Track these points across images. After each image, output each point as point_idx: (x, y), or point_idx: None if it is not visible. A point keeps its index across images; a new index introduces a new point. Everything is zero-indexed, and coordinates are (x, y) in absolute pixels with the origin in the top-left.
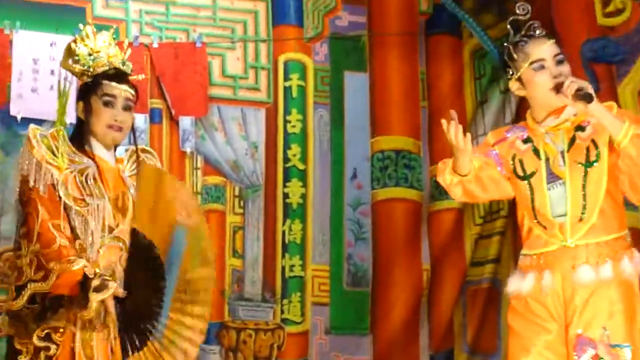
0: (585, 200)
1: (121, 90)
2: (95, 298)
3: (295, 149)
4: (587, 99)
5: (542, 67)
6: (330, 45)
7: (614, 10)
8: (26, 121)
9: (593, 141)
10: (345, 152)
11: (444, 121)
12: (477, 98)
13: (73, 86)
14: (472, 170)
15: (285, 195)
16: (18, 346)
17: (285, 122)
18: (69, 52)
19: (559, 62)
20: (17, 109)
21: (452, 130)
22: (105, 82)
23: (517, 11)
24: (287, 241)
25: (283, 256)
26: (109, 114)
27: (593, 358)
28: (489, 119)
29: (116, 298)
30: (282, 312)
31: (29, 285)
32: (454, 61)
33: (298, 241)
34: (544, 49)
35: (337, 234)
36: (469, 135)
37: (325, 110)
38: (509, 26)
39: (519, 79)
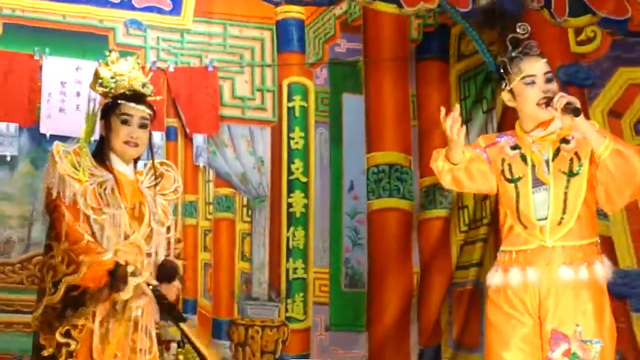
0: (566, 205)
1: (137, 110)
2: (133, 281)
3: (298, 164)
4: (576, 112)
5: (533, 82)
6: (330, 70)
7: (586, 38)
8: (54, 138)
9: (576, 154)
10: (344, 166)
11: (443, 109)
12: (462, 117)
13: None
14: (463, 160)
15: (289, 205)
16: (42, 341)
17: (289, 139)
18: (95, 76)
19: (549, 80)
20: (46, 128)
21: (449, 122)
22: (122, 102)
23: (518, 30)
24: (290, 246)
25: (287, 260)
26: (126, 131)
27: (565, 352)
28: (473, 137)
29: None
30: (287, 310)
31: (63, 279)
32: (441, 84)
33: (301, 246)
34: (536, 66)
35: (336, 240)
36: (463, 127)
37: (325, 128)
38: (508, 42)
39: (511, 91)
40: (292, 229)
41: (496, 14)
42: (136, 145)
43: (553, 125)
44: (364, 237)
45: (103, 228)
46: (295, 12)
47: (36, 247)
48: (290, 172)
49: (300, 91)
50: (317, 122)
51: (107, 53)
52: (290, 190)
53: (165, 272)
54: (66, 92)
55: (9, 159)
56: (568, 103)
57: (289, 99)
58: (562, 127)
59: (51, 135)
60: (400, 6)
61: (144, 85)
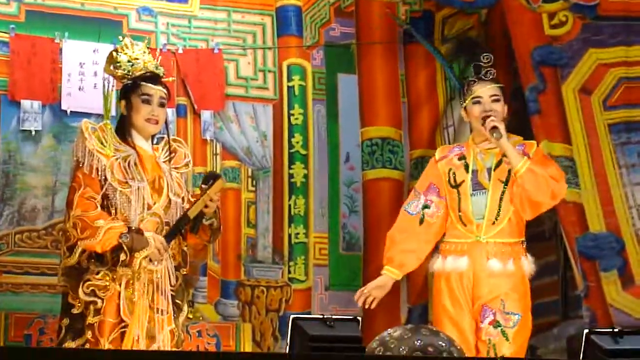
0: (500, 209)
1: (156, 90)
2: (151, 235)
3: (298, 138)
4: (497, 136)
5: (479, 102)
6: (325, 52)
7: (558, 22)
8: (74, 114)
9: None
10: (340, 139)
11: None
12: (447, 95)
13: (114, 87)
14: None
15: (290, 176)
16: (71, 300)
17: (289, 115)
18: (110, 60)
19: (494, 101)
20: (67, 104)
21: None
22: (143, 83)
23: (482, 59)
24: (292, 214)
25: (289, 226)
26: (147, 110)
27: (491, 321)
28: (457, 113)
29: None
30: (289, 272)
31: (78, 244)
32: (427, 64)
33: (302, 213)
34: (484, 90)
35: (334, 208)
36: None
37: (322, 105)
38: (472, 68)
39: (465, 109)
40: (293, 197)
41: (465, 45)
42: (156, 122)
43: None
44: (360, 204)
45: (129, 200)
46: None
47: (59, 214)
48: (291, 146)
49: (299, 72)
50: (314, 100)
51: (121, 39)
52: (291, 162)
53: (209, 176)
54: (84, 72)
55: (33, 133)
56: (494, 127)
57: (289, 79)
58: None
59: (71, 112)
60: None
61: (157, 67)
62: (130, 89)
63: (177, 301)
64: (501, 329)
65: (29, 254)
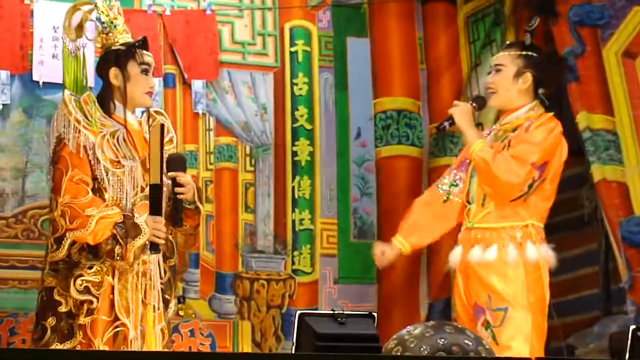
0: None
1: (151, 59)
2: (143, 225)
3: (302, 110)
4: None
5: (489, 72)
6: (333, 13)
7: None
8: (47, 86)
9: (510, 142)
10: (350, 112)
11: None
12: (471, 61)
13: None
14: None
15: (294, 154)
16: (57, 297)
17: (292, 85)
18: (82, 23)
19: (496, 71)
20: (39, 75)
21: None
22: (140, 50)
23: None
24: (296, 196)
25: (293, 211)
26: (147, 82)
27: (483, 322)
28: (483, 81)
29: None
30: (293, 263)
31: (67, 235)
32: (448, 26)
33: (307, 197)
34: (493, 59)
35: (344, 190)
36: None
37: (330, 73)
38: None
39: None
40: (297, 178)
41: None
42: (152, 94)
43: (512, 115)
44: (373, 185)
45: (121, 181)
46: None
47: (31, 199)
48: (294, 119)
49: (303, 35)
50: (321, 67)
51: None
52: (294, 138)
53: (177, 162)
54: (59, 37)
55: (1, 107)
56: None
57: (292, 44)
58: (518, 117)
59: (44, 83)
60: None
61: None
62: (125, 56)
63: (166, 296)
64: (491, 331)
65: None
